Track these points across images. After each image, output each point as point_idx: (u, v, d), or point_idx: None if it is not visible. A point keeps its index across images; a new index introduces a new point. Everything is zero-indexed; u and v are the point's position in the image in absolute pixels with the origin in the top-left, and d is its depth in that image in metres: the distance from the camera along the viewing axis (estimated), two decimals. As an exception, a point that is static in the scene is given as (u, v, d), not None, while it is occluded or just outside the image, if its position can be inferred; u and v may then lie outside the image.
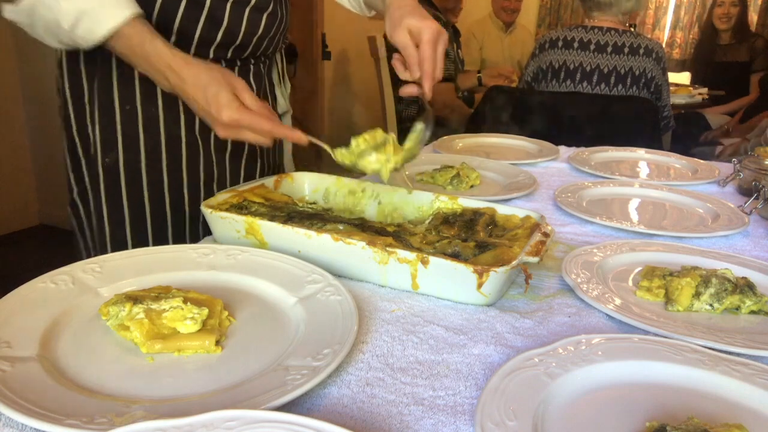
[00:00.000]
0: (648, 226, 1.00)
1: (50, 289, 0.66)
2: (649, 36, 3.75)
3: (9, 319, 0.59)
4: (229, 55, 1.06)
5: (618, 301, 0.72)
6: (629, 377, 0.57)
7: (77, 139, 1.08)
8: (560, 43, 2.27)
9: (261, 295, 0.70)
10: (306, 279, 0.71)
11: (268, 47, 1.11)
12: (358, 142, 0.87)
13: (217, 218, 0.82)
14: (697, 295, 0.73)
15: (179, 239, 1.06)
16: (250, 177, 1.16)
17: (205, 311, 0.61)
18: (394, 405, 0.53)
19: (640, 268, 0.83)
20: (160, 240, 1.07)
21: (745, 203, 1.11)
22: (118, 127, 1.02)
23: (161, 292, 0.63)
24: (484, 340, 0.64)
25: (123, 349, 0.58)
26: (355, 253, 0.74)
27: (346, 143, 0.87)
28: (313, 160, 1.28)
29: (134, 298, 0.61)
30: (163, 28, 0.94)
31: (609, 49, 2.19)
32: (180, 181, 1.07)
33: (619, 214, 1.09)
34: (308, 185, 1.00)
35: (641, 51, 2.19)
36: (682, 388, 0.56)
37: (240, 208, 0.86)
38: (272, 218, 0.81)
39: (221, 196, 0.87)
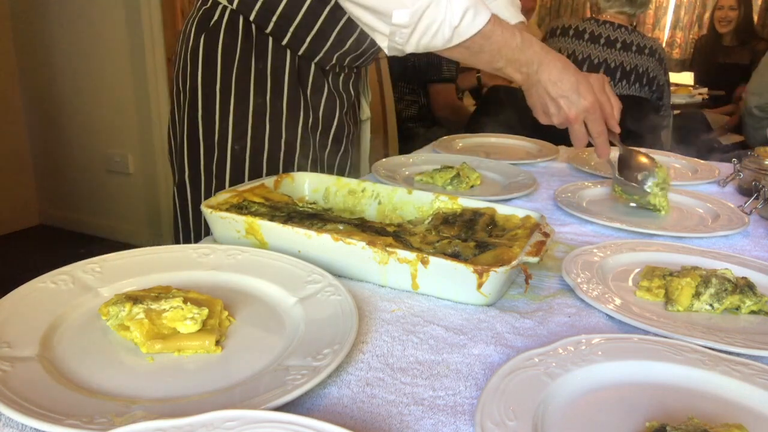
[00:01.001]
0: (648, 226, 1.00)
1: (50, 289, 0.66)
2: (649, 35, 3.76)
3: (9, 319, 0.59)
4: (347, 62, 1.16)
5: (618, 301, 0.72)
6: (629, 377, 0.57)
7: (201, 125, 1.15)
8: (571, 32, 2.29)
9: (261, 295, 0.70)
10: (306, 279, 0.71)
11: (373, 56, 1.22)
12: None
13: (217, 218, 0.82)
14: (697, 295, 0.73)
15: None
16: (341, 171, 1.27)
17: (205, 311, 0.61)
18: (394, 405, 0.53)
19: (640, 268, 0.83)
20: None
21: (745, 203, 1.11)
22: (250, 117, 1.12)
23: (161, 292, 0.63)
24: (484, 340, 0.64)
25: (123, 349, 0.58)
26: (355, 253, 0.74)
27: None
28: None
29: (134, 298, 0.61)
30: (303, 33, 1.07)
31: (618, 45, 2.22)
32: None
33: (619, 214, 1.09)
34: (308, 185, 1.00)
35: (646, 51, 2.22)
36: (682, 388, 0.56)
37: (240, 208, 0.86)
38: (272, 218, 0.81)
39: (221, 196, 0.87)
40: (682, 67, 5.25)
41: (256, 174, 1.14)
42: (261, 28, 1.08)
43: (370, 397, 0.54)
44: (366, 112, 1.38)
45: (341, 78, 1.21)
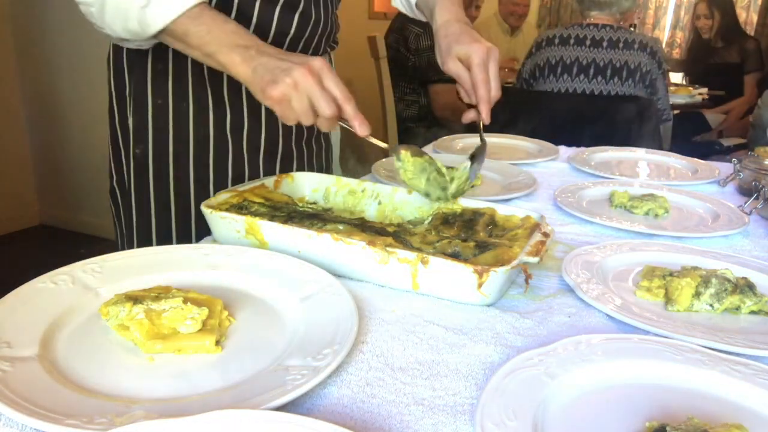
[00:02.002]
0: (648, 226, 1.00)
1: (50, 289, 0.66)
2: (648, 35, 3.76)
3: (9, 319, 0.59)
4: None
5: (618, 301, 0.72)
6: (629, 377, 0.57)
7: (119, 130, 1.12)
8: (557, 41, 2.31)
9: (261, 295, 0.70)
10: (306, 279, 0.71)
11: (306, 50, 1.11)
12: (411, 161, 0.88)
13: (217, 218, 0.82)
14: (697, 295, 0.73)
15: (205, 234, 1.02)
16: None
17: (205, 311, 0.61)
18: (394, 405, 0.53)
19: (640, 268, 0.83)
20: (185, 234, 1.10)
21: (745, 203, 1.11)
22: (150, 120, 1.06)
23: (161, 292, 0.63)
24: (484, 340, 0.64)
25: (123, 349, 0.58)
26: (355, 253, 0.74)
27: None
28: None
29: (134, 298, 0.61)
30: None
31: (604, 43, 2.24)
32: (206, 178, 1.09)
33: (619, 214, 1.09)
34: (308, 185, 1.00)
35: (636, 46, 2.23)
36: (682, 388, 0.56)
37: (240, 208, 0.86)
38: (272, 218, 0.81)
39: (221, 196, 0.87)
40: (682, 67, 5.25)
41: (161, 177, 1.08)
42: None
43: (370, 397, 0.54)
44: None
45: None
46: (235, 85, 1.07)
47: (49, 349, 0.57)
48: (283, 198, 0.93)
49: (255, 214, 0.84)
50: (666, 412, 0.52)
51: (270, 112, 1.08)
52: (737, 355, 0.61)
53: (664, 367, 0.58)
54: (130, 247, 1.13)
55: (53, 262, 0.72)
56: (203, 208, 0.83)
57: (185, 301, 0.61)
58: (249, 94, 1.05)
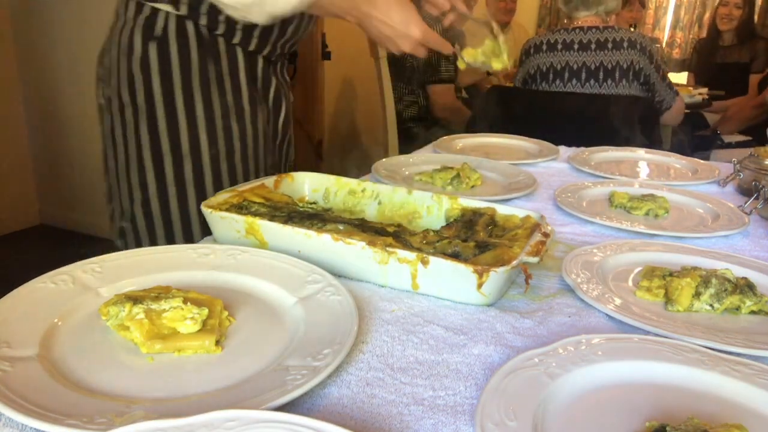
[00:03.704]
0: (648, 226, 1.00)
1: (50, 289, 0.66)
2: (648, 35, 3.74)
3: (9, 319, 0.59)
4: (282, 49, 1.18)
5: (618, 301, 0.72)
6: (629, 377, 0.57)
7: (167, 136, 1.12)
8: (544, 47, 2.31)
9: (261, 295, 0.70)
10: (306, 279, 0.71)
11: (296, 44, 1.23)
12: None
13: (217, 218, 0.82)
14: (697, 295, 0.73)
15: None
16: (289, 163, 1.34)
17: (205, 311, 0.61)
18: (394, 405, 0.53)
19: (640, 268, 0.83)
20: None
21: (745, 203, 1.11)
22: (219, 120, 1.14)
23: (161, 292, 0.63)
24: (484, 340, 0.64)
25: (123, 349, 0.58)
26: (355, 253, 0.74)
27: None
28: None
29: (134, 298, 0.61)
30: (251, 29, 1.09)
31: (593, 46, 2.24)
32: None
33: (619, 215, 1.09)
34: (308, 185, 1.00)
35: (624, 44, 2.22)
36: (682, 388, 0.56)
37: (240, 208, 0.86)
38: (272, 218, 0.81)
39: (221, 196, 0.87)
40: (682, 66, 5.25)
41: (231, 175, 1.14)
42: (211, 30, 1.08)
43: (370, 397, 0.54)
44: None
45: (278, 66, 1.24)
46: (266, 77, 1.21)
47: (49, 349, 0.57)
48: (283, 198, 0.93)
49: (255, 214, 0.84)
50: (666, 412, 0.52)
51: (288, 103, 1.29)
52: (737, 355, 0.61)
53: (664, 367, 0.58)
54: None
55: (53, 262, 0.72)
56: (203, 208, 0.83)
57: (185, 301, 0.61)
58: (276, 87, 1.24)
